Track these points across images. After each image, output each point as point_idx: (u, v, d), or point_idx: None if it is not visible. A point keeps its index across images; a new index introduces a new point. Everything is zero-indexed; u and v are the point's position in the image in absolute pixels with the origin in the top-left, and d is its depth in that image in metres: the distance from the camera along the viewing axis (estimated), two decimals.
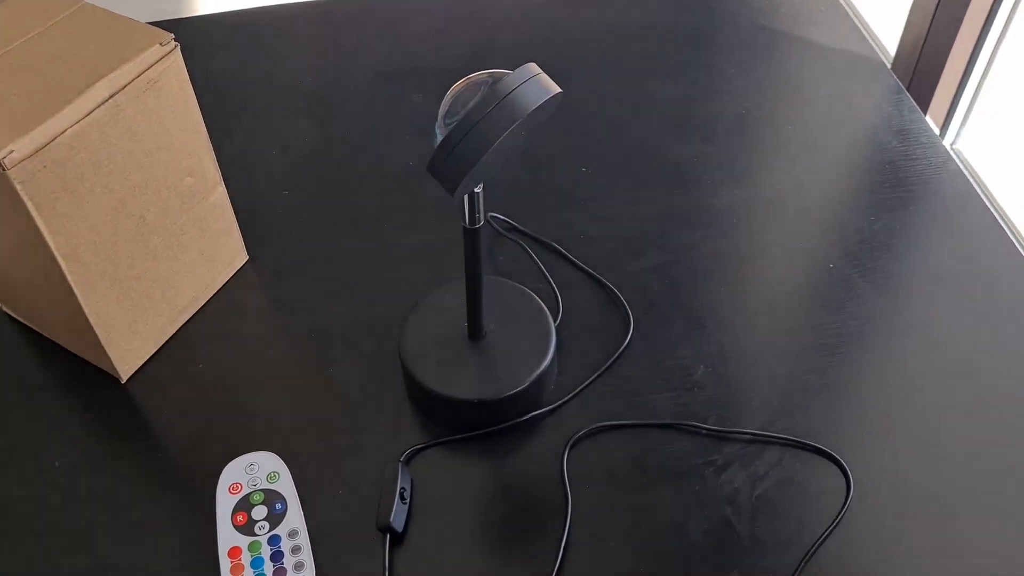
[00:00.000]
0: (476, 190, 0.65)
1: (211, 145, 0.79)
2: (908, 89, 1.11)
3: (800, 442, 0.76)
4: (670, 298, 0.86)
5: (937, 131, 1.04)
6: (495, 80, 0.58)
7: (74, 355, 0.82)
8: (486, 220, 0.91)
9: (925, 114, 1.62)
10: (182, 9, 2.21)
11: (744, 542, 0.70)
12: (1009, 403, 0.78)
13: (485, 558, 0.69)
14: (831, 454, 0.74)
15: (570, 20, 1.15)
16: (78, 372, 0.81)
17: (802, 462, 0.75)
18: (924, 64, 1.65)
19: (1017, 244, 0.90)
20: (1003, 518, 0.71)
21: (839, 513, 0.71)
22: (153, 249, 0.77)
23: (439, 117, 0.60)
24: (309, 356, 0.82)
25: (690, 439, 0.76)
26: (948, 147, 1.00)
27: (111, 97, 0.67)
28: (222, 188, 0.83)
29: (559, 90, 0.57)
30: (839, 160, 0.98)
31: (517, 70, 0.56)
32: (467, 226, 0.68)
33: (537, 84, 0.57)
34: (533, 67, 0.57)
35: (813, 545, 0.69)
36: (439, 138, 0.58)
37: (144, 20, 0.75)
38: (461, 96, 0.59)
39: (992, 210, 0.93)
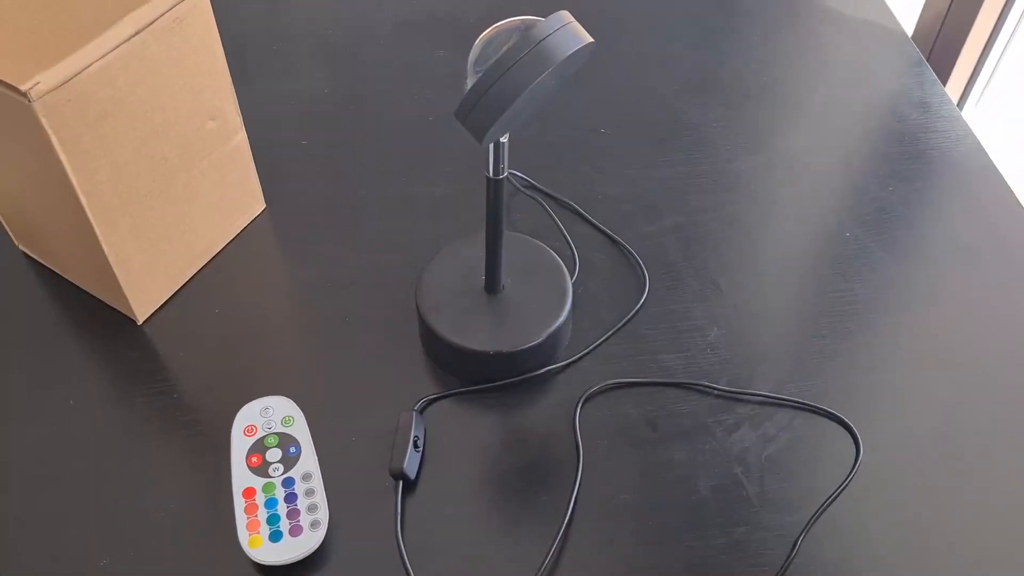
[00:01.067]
0: (502, 140, 0.65)
1: (234, 90, 0.79)
2: (928, 61, 1.10)
3: (811, 406, 0.76)
4: (686, 260, 0.86)
5: (955, 103, 1.04)
6: (528, 27, 0.58)
7: (91, 295, 0.82)
8: (508, 176, 0.91)
9: (944, 86, 1.61)
10: None
11: (753, 500, 0.71)
12: (1022, 373, 0.78)
13: (496, 508, 0.70)
14: (841, 418, 0.75)
15: None
16: (95, 313, 0.81)
17: (812, 425, 0.75)
18: (944, 37, 1.64)
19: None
20: (1015, 485, 0.72)
21: (848, 476, 0.72)
22: (173, 191, 0.77)
23: (469, 64, 0.59)
24: (325, 304, 0.83)
25: (702, 399, 0.77)
26: (967, 120, 0.99)
27: (136, 34, 0.67)
28: (243, 134, 0.82)
29: (591, 40, 0.57)
30: (858, 130, 0.98)
31: (551, 17, 0.56)
32: (491, 176, 0.68)
33: (570, 32, 0.56)
34: (566, 15, 0.57)
35: (821, 506, 0.70)
36: (469, 84, 0.58)
37: None
38: (492, 42, 0.59)
39: (1010, 184, 0.93)
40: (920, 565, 0.67)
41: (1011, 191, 0.92)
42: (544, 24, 0.55)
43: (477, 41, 0.60)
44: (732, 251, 0.87)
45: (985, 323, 0.82)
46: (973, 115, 1.69)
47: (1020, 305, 0.83)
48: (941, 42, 1.60)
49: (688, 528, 0.69)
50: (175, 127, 0.74)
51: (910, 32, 1.18)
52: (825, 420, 0.75)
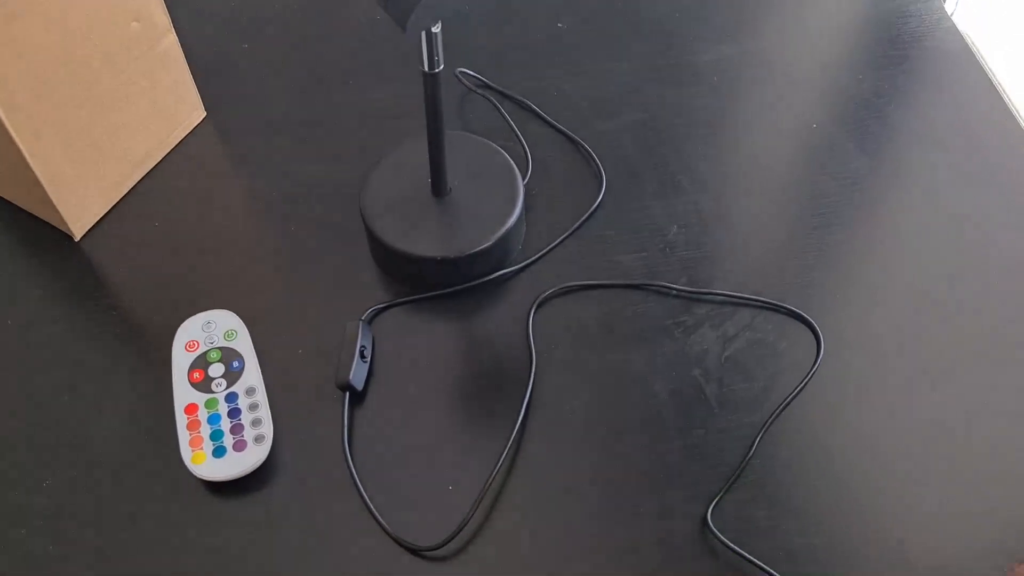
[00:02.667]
0: (434, 29, 0.61)
1: None
2: None
3: (772, 304, 0.74)
4: (645, 158, 0.82)
5: None
6: None
7: (26, 213, 0.79)
8: (457, 74, 0.87)
9: None
10: None
11: (711, 402, 0.69)
12: (991, 266, 0.76)
13: (447, 416, 0.68)
14: (803, 316, 0.73)
15: None
16: (30, 231, 0.78)
17: (774, 324, 0.73)
18: None
19: (1009, 105, 0.86)
20: (976, 383, 0.70)
21: (808, 374, 0.70)
22: (100, 98, 0.73)
23: None
24: (270, 214, 0.79)
25: (660, 300, 0.74)
26: (943, 4, 0.95)
27: None
28: (173, 37, 0.78)
29: None
30: (828, 16, 0.93)
31: None
32: (426, 70, 0.64)
33: None
34: None
35: (780, 405, 0.68)
36: None
37: None
38: None
39: (986, 69, 0.89)
40: (879, 463, 0.66)
41: (987, 76, 0.88)
42: None
43: None
44: (694, 147, 0.83)
45: (953, 217, 0.79)
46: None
47: (989, 198, 0.80)
48: None
49: (645, 432, 0.67)
50: (96, 29, 0.70)
51: None
52: (787, 318, 0.73)
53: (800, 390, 0.69)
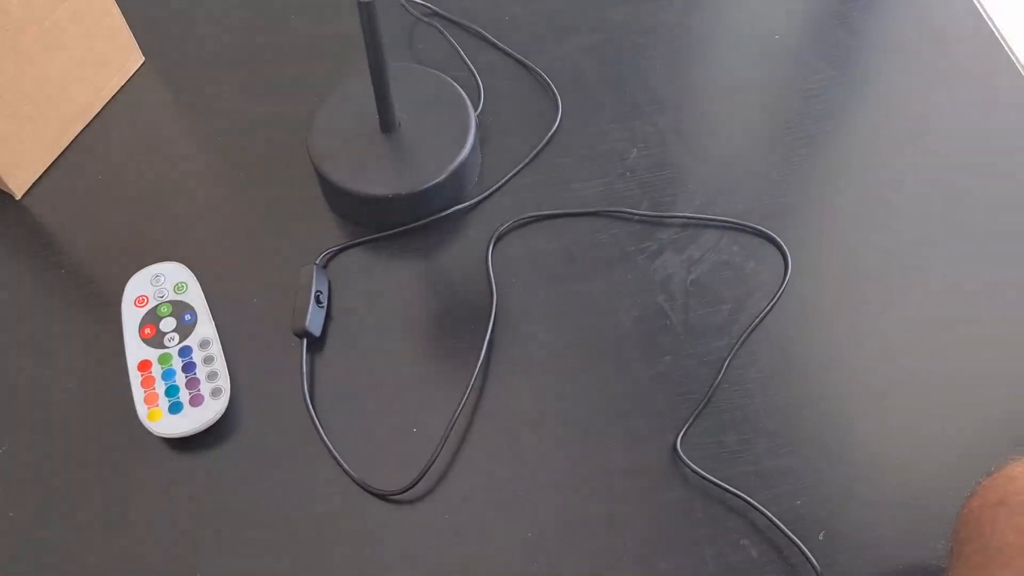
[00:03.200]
0: None
1: None
2: None
3: (737, 223, 0.72)
4: (602, 80, 0.80)
5: None
6: None
7: None
8: (402, 3, 0.83)
9: None
10: None
11: (677, 328, 0.67)
12: (960, 176, 0.74)
13: (408, 358, 0.67)
14: (769, 234, 0.71)
15: None
16: None
17: (739, 244, 0.71)
18: None
19: (979, 5, 0.83)
20: (946, 294, 0.68)
21: (775, 295, 0.68)
22: (26, 49, 0.70)
23: None
24: (216, 160, 0.77)
25: (622, 226, 0.72)
26: None
27: None
28: None
29: None
30: None
31: None
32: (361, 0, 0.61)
33: None
34: None
35: (747, 329, 0.67)
36: None
37: None
38: None
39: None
40: (848, 381, 0.65)
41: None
42: None
43: None
44: (652, 67, 0.80)
45: (920, 128, 0.77)
46: None
47: (958, 105, 0.78)
48: None
49: (611, 362, 0.66)
50: None
51: None
52: (752, 238, 0.71)
53: (767, 312, 0.67)
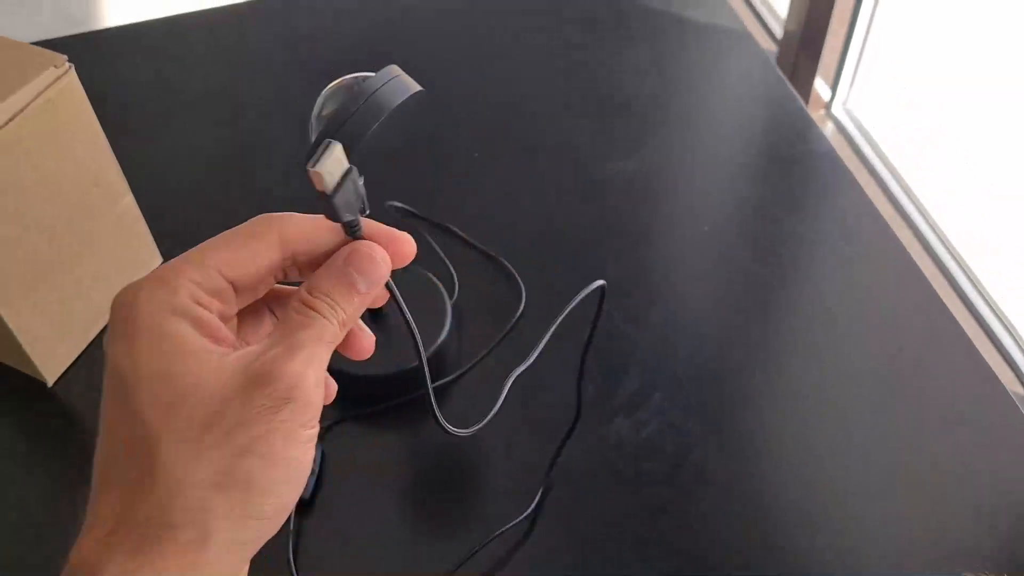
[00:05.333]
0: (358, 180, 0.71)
1: (114, 156, 0.84)
2: (798, 51, 1.19)
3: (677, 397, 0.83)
4: (559, 267, 0.93)
5: (829, 92, 1.12)
6: (360, 81, 0.64)
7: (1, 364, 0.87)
8: (385, 207, 0.97)
9: (815, 75, 1.71)
10: (88, 20, 2.22)
11: (627, 480, 0.77)
12: (868, 360, 0.87)
13: (394, 522, 0.76)
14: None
15: (454, 5, 1.21)
16: (4, 378, 0.86)
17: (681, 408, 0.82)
18: (811, 25, 1.75)
19: (872, 198, 0.99)
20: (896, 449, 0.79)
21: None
22: (65, 260, 0.82)
23: (312, 117, 0.65)
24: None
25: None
26: (827, 108, 1.08)
27: (10, 121, 0.72)
28: (130, 197, 0.87)
29: (420, 88, 0.64)
30: (712, 131, 1.06)
31: (379, 72, 0.62)
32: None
33: (400, 83, 0.63)
34: (395, 68, 0.63)
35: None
36: (313, 136, 0.64)
37: (50, 31, 0.79)
38: (332, 96, 0.65)
39: (849, 168, 1.01)
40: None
41: (848, 173, 1.00)
42: (373, 80, 0.62)
43: (320, 96, 0.66)
44: (603, 254, 0.94)
45: (838, 312, 0.90)
46: (848, 100, 1.79)
47: (863, 284, 0.91)
48: (808, 31, 1.70)
49: (566, 512, 0.76)
50: (58, 199, 0.79)
51: (782, 20, 1.26)
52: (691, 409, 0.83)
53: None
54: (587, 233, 0.96)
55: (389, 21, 1.20)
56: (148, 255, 0.93)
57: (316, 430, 0.41)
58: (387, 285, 0.46)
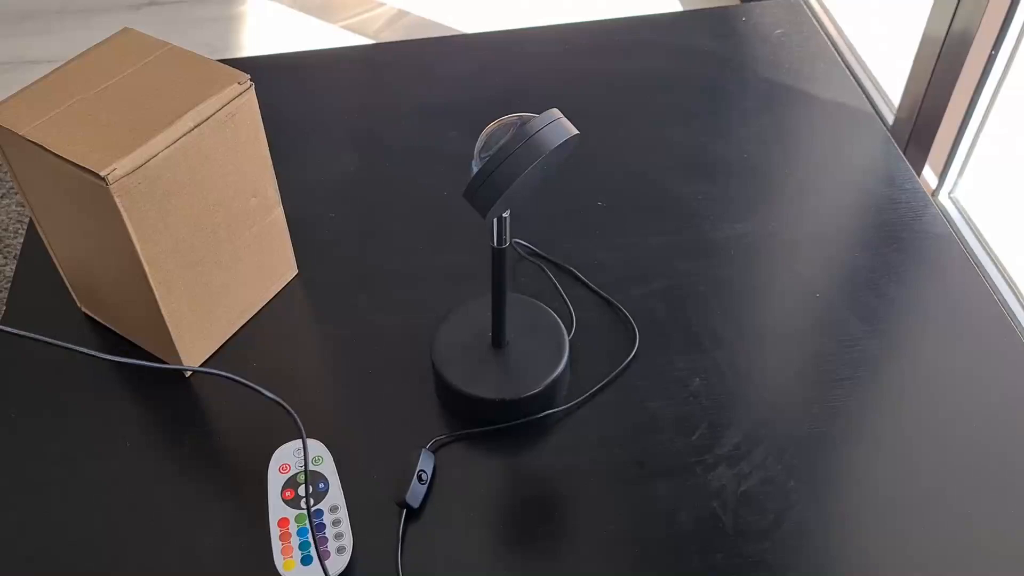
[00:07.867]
0: (504, 215, 0.76)
1: (273, 171, 0.91)
2: (910, 138, 1.21)
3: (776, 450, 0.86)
4: (672, 319, 0.96)
5: (936, 180, 1.14)
6: (523, 122, 0.69)
7: (145, 352, 0.94)
8: (511, 244, 1.02)
9: (925, 163, 1.73)
10: (240, 51, 2.35)
11: (728, 530, 0.80)
12: (970, 427, 0.88)
13: (492, 536, 0.80)
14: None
15: (589, 68, 1.27)
16: (149, 367, 0.92)
17: (783, 464, 0.85)
18: (924, 115, 1.76)
19: (985, 281, 1.00)
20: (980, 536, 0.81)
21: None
22: (221, 259, 0.89)
23: (475, 152, 0.71)
24: (350, 359, 0.93)
25: (684, 441, 0.86)
26: (933, 195, 1.10)
27: (196, 127, 0.79)
28: (280, 209, 0.94)
29: (577, 132, 0.69)
30: (829, 202, 1.09)
31: (543, 114, 0.68)
32: (495, 246, 0.79)
33: (559, 126, 0.68)
34: (556, 112, 0.68)
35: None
36: (475, 170, 0.69)
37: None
38: (494, 134, 0.70)
39: (964, 251, 1.03)
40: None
41: (965, 256, 1.02)
42: (536, 120, 0.67)
43: (483, 132, 0.72)
44: (713, 311, 0.97)
45: (931, 377, 0.92)
46: (956, 188, 1.80)
47: (968, 361, 0.93)
48: (922, 117, 1.72)
49: (670, 555, 0.78)
50: (224, 204, 0.86)
51: (894, 107, 1.29)
52: (792, 459, 0.85)
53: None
54: (700, 289, 0.99)
55: (528, 75, 1.27)
56: (286, 267, 0.99)
57: None
58: None
